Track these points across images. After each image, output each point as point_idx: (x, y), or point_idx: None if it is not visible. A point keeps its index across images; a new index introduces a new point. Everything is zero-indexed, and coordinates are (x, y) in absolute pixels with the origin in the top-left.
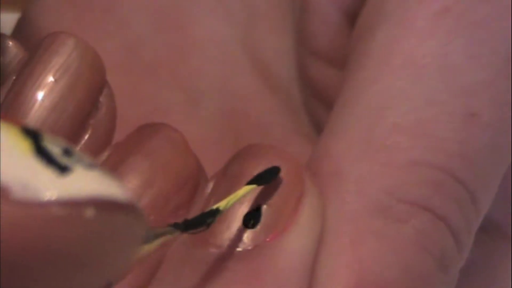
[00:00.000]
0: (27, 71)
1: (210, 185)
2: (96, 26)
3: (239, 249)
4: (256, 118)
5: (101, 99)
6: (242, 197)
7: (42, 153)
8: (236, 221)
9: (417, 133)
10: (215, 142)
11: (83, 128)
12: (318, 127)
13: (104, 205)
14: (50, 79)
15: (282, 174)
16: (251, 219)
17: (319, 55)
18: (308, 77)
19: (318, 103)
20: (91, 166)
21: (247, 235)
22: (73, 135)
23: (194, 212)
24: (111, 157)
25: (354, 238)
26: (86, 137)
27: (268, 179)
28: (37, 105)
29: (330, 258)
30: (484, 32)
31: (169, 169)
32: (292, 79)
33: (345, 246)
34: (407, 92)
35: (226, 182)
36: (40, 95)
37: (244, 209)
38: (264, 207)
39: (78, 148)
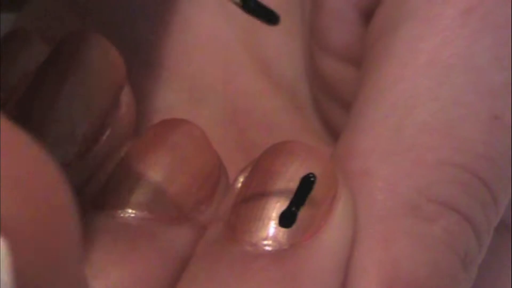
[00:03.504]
0: (50, 70)
1: (240, 179)
2: (100, 28)
3: (275, 248)
4: (259, 117)
5: (121, 97)
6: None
7: None
8: (272, 220)
9: (445, 133)
10: (218, 141)
11: (103, 126)
12: (327, 123)
13: None
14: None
15: (316, 173)
16: (287, 218)
17: (331, 51)
18: (319, 73)
19: (329, 100)
20: None
21: (283, 235)
22: (94, 133)
23: (215, 206)
24: (131, 152)
25: (386, 237)
26: (106, 134)
27: None
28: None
29: (363, 257)
30: (507, 33)
31: (190, 165)
32: (298, 77)
33: (377, 244)
34: (435, 91)
35: (259, 176)
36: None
37: (280, 208)
38: (300, 206)
39: (98, 146)
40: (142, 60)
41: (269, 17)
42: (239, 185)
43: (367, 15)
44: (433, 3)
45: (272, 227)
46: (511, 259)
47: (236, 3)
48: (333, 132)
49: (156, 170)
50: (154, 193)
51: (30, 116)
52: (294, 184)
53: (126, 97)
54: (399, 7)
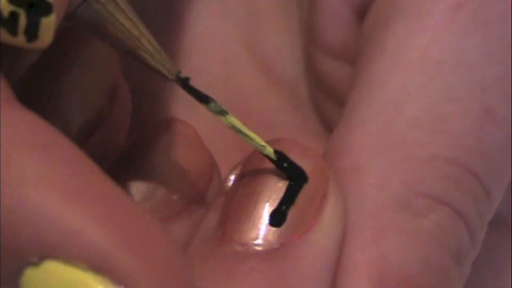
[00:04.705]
0: (45, 66)
1: (231, 177)
2: None
3: (265, 248)
4: (259, 116)
5: (117, 93)
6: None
7: None
8: (263, 220)
9: (436, 128)
10: (217, 140)
11: (98, 122)
12: (326, 122)
13: None
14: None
15: (307, 171)
16: (277, 217)
17: (328, 50)
18: (316, 72)
19: (327, 99)
20: None
21: (273, 234)
22: (89, 128)
23: (207, 206)
24: (124, 151)
25: (377, 233)
26: (101, 129)
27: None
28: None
29: (353, 253)
30: (498, 28)
31: (182, 165)
32: (297, 76)
33: (367, 240)
34: (425, 87)
35: (249, 175)
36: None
37: (270, 207)
38: (290, 205)
39: (93, 140)
40: None
41: (299, 176)
42: (231, 183)
43: (362, 13)
44: (424, 0)
45: (262, 227)
46: (511, 257)
47: (271, 159)
48: (332, 130)
49: (148, 169)
50: (145, 192)
51: None
52: (284, 183)
53: (121, 93)
54: (391, 4)
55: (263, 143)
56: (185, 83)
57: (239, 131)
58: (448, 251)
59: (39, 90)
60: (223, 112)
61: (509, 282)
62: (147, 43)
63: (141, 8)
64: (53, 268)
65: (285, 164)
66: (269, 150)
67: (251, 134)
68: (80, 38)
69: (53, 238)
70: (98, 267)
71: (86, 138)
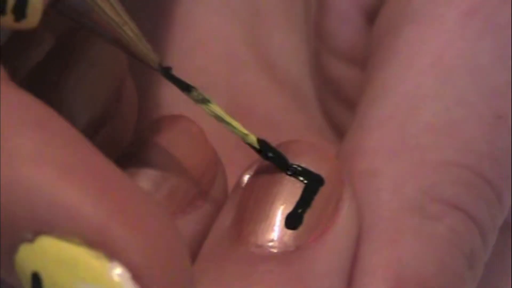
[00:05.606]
0: (53, 62)
1: (246, 177)
2: None
3: (281, 250)
4: (263, 115)
5: (123, 90)
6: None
7: None
8: (279, 222)
9: (449, 133)
10: (219, 139)
11: (105, 118)
12: (333, 123)
13: None
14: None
15: (323, 174)
16: (293, 220)
17: (337, 52)
18: (326, 74)
19: (335, 100)
20: None
21: (289, 237)
22: (95, 124)
23: (211, 202)
24: (129, 148)
25: (393, 236)
26: (108, 126)
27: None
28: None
29: (370, 256)
30: (510, 34)
31: (187, 161)
32: (303, 75)
33: (383, 243)
34: (438, 92)
35: (265, 176)
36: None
37: (286, 209)
38: (307, 208)
39: (99, 137)
40: None
41: (282, 163)
42: (245, 183)
43: (371, 16)
44: (436, 4)
45: (278, 229)
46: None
47: (254, 149)
48: (338, 130)
49: (152, 167)
50: (150, 188)
51: None
52: (300, 185)
53: (128, 90)
54: (403, 8)
55: (246, 131)
56: (166, 72)
57: (222, 120)
58: (462, 254)
59: (46, 86)
60: (205, 101)
61: (509, 284)
62: (130, 31)
63: (144, 7)
64: (47, 244)
65: (270, 154)
66: (252, 139)
67: (234, 123)
68: (87, 35)
69: (47, 213)
70: (92, 242)
71: (92, 135)
